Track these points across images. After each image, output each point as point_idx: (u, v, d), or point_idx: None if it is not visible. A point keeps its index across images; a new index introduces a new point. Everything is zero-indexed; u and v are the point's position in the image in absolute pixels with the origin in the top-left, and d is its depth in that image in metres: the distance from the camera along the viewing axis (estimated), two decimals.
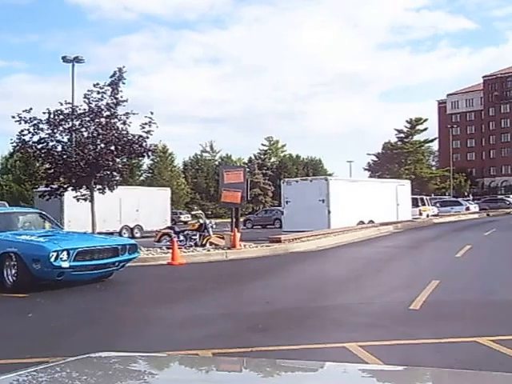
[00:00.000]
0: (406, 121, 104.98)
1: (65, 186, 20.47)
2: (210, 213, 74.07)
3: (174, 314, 9.64)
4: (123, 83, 19.95)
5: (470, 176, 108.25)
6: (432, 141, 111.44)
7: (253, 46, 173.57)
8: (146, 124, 19.83)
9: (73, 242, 12.78)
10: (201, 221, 22.55)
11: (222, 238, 20.99)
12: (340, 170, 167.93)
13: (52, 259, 11.77)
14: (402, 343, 7.17)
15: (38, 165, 29.11)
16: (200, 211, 29.34)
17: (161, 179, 71.69)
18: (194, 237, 21.73)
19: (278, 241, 20.93)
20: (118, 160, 20.18)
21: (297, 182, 33.54)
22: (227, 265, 17.21)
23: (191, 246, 20.93)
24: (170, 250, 17.35)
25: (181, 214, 59.81)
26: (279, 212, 45.71)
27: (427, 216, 42.08)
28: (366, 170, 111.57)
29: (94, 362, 2.72)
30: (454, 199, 62.06)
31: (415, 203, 41.57)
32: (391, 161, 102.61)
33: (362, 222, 30.42)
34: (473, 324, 8.10)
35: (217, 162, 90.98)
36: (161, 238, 22.70)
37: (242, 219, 51.60)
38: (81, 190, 20.40)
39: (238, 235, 19.50)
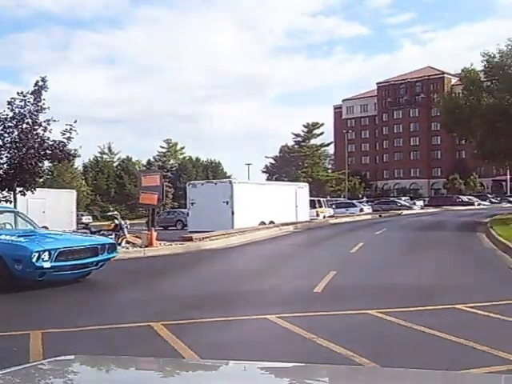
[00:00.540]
0: (303, 125, 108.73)
1: None
2: (110, 214, 73.80)
3: (120, 298, 11.41)
4: (45, 91, 21.12)
5: (364, 179, 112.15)
6: (328, 145, 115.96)
7: (150, 46, 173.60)
8: (66, 131, 21.09)
9: (54, 242, 12.74)
10: (116, 221, 23.89)
11: (138, 238, 22.51)
12: (239, 172, 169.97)
13: (34, 259, 11.75)
14: (310, 315, 9.07)
15: None
16: (116, 212, 30.52)
17: (61, 181, 71.23)
18: (110, 236, 23.05)
19: (190, 239, 22.63)
20: (40, 164, 21.33)
21: (202, 184, 35.00)
22: (147, 261, 18.74)
23: None
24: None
25: (82, 215, 59.97)
26: (181, 213, 47.06)
27: (324, 217, 44.35)
28: (263, 172, 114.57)
29: (62, 365, 2.74)
30: (349, 201, 65.09)
31: (313, 205, 43.76)
32: (289, 164, 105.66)
33: (263, 223, 32.08)
34: (364, 301, 10.09)
35: (115, 164, 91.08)
36: None
37: (144, 221, 52.56)
38: (3, 192, 21.42)
39: (155, 234, 21.15)
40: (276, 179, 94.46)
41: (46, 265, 11.87)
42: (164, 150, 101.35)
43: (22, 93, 20.78)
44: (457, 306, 9.41)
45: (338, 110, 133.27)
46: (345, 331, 7.98)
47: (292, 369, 3.04)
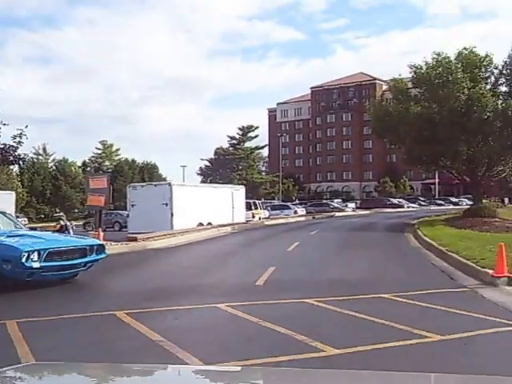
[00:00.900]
0: (239, 128, 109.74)
1: None
2: (43, 216, 73.45)
3: (81, 293, 12.46)
4: None
5: (297, 181, 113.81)
6: (262, 147, 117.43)
7: (86, 47, 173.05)
8: (17, 136, 21.70)
9: (43, 242, 12.77)
10: (62, 222, 24.65)
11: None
12: (174, 174, 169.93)
13: (23, 260, 11.85)
14: (255, 303, 10.25)
15: None
16: (62, 213, 31.16)
17: None
18: None
19: (135, 239, 23.60)
20: None
21: (142, 186, 35.70)
22: None
23: None
24: None
25: (17, 217, 59.51)
26: (119, 215, 47.57)
27: (259, 219, 45.72)
28: (198, 174, 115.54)
29: (23, 372, 2.74)
30: (284, 203, 66.72)
31: (249, 207, 45.02)
32: (223, 166, 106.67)
33: (201, 224, 33.13)
34: (301, 292, 11.29)
35: (51, 165, 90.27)
36: None
37: (81, 222, 52.82)
38: None
39: (102, 234, 22.04)
40: (210, 181, 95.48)
41: (35, 265, 11.97)
42: (99, 152, 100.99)
43: None
44: (383, 296, 10.78)
45: (272, 113, 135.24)
46: (286, 316, 9.16)
47: (291, 373, 3.18)
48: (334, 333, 8.10)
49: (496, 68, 35.14)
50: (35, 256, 12.01)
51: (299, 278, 13.92)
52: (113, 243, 22.78)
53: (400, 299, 10.41)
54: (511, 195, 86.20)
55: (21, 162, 23.20)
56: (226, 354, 6.93)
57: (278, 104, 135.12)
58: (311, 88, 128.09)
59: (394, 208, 71.91)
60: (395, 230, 32.04)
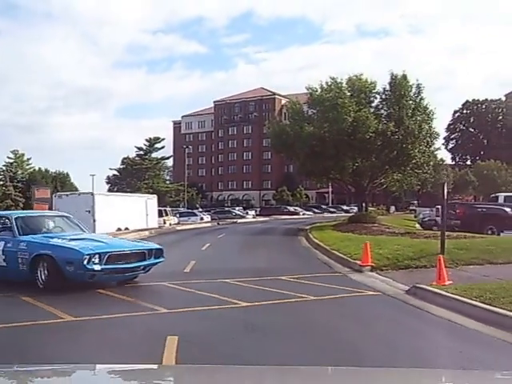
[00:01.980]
0: (146, 139, 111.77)
1: None
2: None
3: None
4: None
5: (200, 190, 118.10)
6: (168, 158, 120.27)
7: None
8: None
9: (104, 245, 13.31)
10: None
11: None
12: (83, 182, 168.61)
13: (85, 262, 12.37)
14: (188, 282, 14.22)
15: None
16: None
17: None
18: None
19: None
20: None
21: (67, 195, 38.34)
22: None
23: None
24: None
25: None
26: None
27: (170, 224, 49.34)
28: (107, 183, 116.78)
29: (14, 375, 2.85)
30: (191, 211, 70.30)
31: (160, 214, 48.65)
32: (131, 175, 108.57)
33: (119, 229, 36.03)
34: (219, 276, 15.28)
35: None
36: None
37: None
38: None
39: None
40: (118, 190, 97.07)
41: (96, 267, 12.53)
42: (11, 161, 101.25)
43: None
44: (280, 277, 15.04)
45: (177, 125, 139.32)
46: (212, 288, 13.22)
47: (292, 371, 3.29)
48: (245, 296, 12.19)
49: (378, 93, 40.65)
50: (96, 259, 12.57)
51: (215, 267, 18.03)
52: None
53: (291, 279, 14.69)
54: (397, 204, 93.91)
55: None
56: (185, 305, 11.03)
57: (182, 116, 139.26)
58: (214, 102, 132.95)
59: (290, 215, 77.32)
60: (290, 233, 36.76)
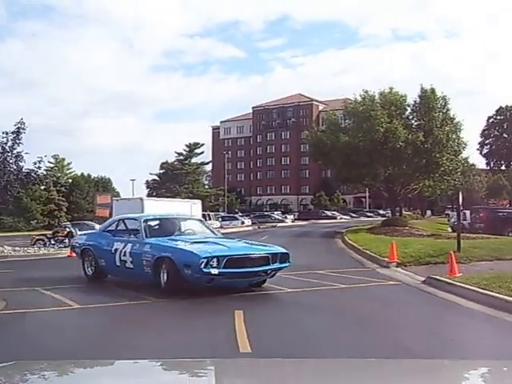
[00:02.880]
0: (185, 145, 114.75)
1: None
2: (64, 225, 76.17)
3: None
4: (24, 132, 28.05)
5: (239, 194, 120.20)
6: (208, 163, 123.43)
7: (29, 60, 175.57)
8: (38, 162, 28.34)
9: (224, 249, 13.10)
10: (67, 229, 31.26)
11: None
12: (124, 187, 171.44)
13: (202, 266, 12.24)
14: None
15: None
16: (68, 222, 37.62)
17: None
18: (64, 240, 30.39)
19: None
20: (15, 186, 28.37)
21: (118, 200, 41.80)
22: None
23: (62, 246, 29.61)
24: (68, 248, 26.18)
25: None
26: (86, 225, 53.83)
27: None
28: (146, 187, 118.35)
29: (9, 371, 2.81)
30: (232, 215, 73.30)
31: (204, 218, 51.71)
32: (171, 180, 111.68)
33: None
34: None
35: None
36: (36, 242, 31.06)
37: (39, 232, 58.63)
38: None
39: None
40: (157, 194, 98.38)
41: (214, 271, 12.34)
42: (52, 165, 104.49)
43: (5, 132, 27.68)
44: (317, 272, 17.83)
45: (216, 130, 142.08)
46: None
47: (294, 363, 3.42)
48: (289, 284, 14.72)
49: (408, 106, 43.47)
50: (214, 262, 12.41)
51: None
52: None
53: (326, 273, 17.48)
54: (433, 208, 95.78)
55: (41, 182, 29.72)
56: (245, 290, 13.84)
57: (221, 122, 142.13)
58: (253, 107, 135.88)
59: (328, 219, 79.76)
60: (327, 236, 39.68)
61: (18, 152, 27.95)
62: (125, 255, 14.34)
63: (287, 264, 14.11)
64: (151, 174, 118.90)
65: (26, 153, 28.49)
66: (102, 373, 2.94)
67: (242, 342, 8.21)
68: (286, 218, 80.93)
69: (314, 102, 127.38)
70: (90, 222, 49.25)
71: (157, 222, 15.90)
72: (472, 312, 11.15)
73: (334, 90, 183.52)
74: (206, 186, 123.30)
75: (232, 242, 14.51)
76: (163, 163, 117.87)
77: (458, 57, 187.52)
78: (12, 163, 27.71)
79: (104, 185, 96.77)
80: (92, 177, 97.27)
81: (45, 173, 29.70)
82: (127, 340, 8.88)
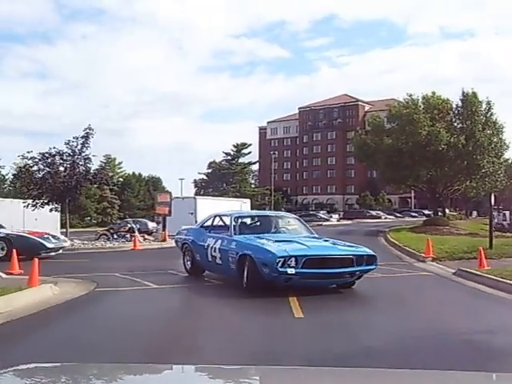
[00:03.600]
0: (233, 145, 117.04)
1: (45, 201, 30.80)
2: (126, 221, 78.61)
3: (160, 265, 21.35)
4: (92, 137, 30.68)
5: (285, 194, 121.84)
6: (255, 163, 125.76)
7: (80, 62, 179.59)
8: (104, 163, 30.92)
9: (304, 249, 12.75)
10: (129, 225, 33.88)
11: (144, 237, 32.57)
12: (172, 186, 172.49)
13: (279, 265, 12.00)
14: None
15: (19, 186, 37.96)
16: (130, 219, 40.39)
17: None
18: (126, 235, 32.92)
19: None
20: (84, 185, 31.06)
21: (172, 199, 44.67)
22: (165, 249, 28.67)
23: (124, 241, 32.12)
24: (131, 242, 28.66)
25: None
26: (139, 222, 56.45)
27: None
28: (194, 186, 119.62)
29: (22, 375, 2.81)
30: None
31: None
32: (219, 179, 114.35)
33: None
34: None
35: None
36: (100, 236, 33.74)
37: (93, 229, 61.45)
38: (55, 204, 31.00)
39: (167, 233, 31.24)
40: (204, 193, 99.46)
41: (290, 271, 12.05)
42: (103, 165, 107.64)
43: (76, 137, 30.37)
44: None
45: (262, 130, 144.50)
46: None
47: (292, 372, 3.40)
48: None
49: (451, 109, 45.03)
50: (292, 262, 12.12)
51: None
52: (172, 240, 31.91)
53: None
54: (479, 209, 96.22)
55: (109, 182, 32.36)
56: None
57: (268, 122, 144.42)
58: (299, 108, 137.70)
59: (372, 219, 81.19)
60: (371, 234, 41.49)
61: (85, 155, 30.63)
62: (215, 251, 14.59)
63: (373, 267, 13.56)
64: (199, 173, 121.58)
65: (94, 155, 31.19)
66: (114, 376, 2.92)
67: (296, 309, 10.44)
68: (331, 217, 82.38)
69: (359, 103, 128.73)
70: (142, 219, 52.01)
71: (249, 219, 16.29)
72: (489, 296, 13.10)
73: (380, 89, 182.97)
74: (253, 186, 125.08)
75: (316, 242, 14.00)
76: (211, 163, 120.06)
77: (509, 54, 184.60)
78: (81, 165, 30.38)
79: (154, 184, 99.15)
80: (143, 176, 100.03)
81: (105, 172, 32.14)
82: (196, 306, 11.96)
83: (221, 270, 14.79)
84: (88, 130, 30.56)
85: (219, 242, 14.56)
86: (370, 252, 13.81)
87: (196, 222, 39.17)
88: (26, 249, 21.60)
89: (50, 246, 23.03)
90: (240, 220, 15.27)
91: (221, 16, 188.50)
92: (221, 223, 16.27)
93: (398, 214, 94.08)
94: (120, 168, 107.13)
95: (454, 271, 17.42)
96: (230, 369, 3.70)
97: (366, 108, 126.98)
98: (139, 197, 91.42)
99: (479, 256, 17.58)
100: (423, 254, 21.83)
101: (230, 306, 11.71)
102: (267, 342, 8.34)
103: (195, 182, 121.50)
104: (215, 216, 16.81)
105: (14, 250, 18.03)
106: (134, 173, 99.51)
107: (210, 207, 41.94)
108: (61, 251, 24.25)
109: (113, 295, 13.22)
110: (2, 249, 22.05)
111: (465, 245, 23.28)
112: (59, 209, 31.54)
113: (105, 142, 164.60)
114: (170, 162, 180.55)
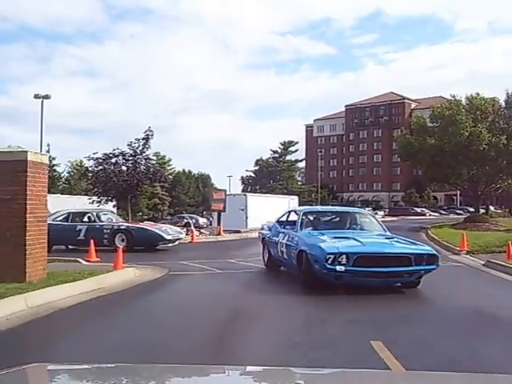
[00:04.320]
0: (280, 143, 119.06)
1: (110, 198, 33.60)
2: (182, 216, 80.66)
3: (219, 255, 23.49)
4: (152, 138, 33.26)
5: (331, 191, 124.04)
6: (301, 161, 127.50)
7: (128, 61, 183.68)
8: (162, 163, 33.53)
9: (357, 246, 12.40)
10: (185, 220, 36.49)
11: (200, 231, 35.09)
12: (220, 182, 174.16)
13: (328, 262, 11.76)
14: None
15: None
16: (186, 215, 43.19)
17: (77, 188, 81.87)
18: (183, 230, 35.39)
19: (239, 232, 35.20)
20: (145, 183, 33.73)
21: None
22: (220, 242, 31.11)
23: None
24: (189, 236, 31.11)
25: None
26: (191, 218, 59.34)
27: None
28: (242, 183, 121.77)
29: (26, 375, 2.81)
30: None
31: None
32: (266, 176, 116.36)
33: None
34: None
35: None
36: None
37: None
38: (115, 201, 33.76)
39: (222, 227, 33.71)
40: (251, 190, 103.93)
41: (339, 268, 11.75)
42: (153, 162, 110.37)
43: (137, 139, 32.99)
44: None
45: (309, 128, 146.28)
46: None
47: (295, 373, 3.38)
48: None
49: (493, 111, 46.47)
50: (343, 259, 11.79)
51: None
52: (227, 234, 34.36)
53: None
54: None
55: (167, 180, 35.03)
56: None
57: (314, 120, 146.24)
58: (345, 106, 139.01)
59: (417, 216, 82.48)
60: (413, 230, 43.05)
61: (146, 155, 33.25)
62: (283, 246, 14.75)
63: (434, 267, 12.76)
64: (247, 170, 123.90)
65: (155, 154, 33.78)
66: (119, 378, 2.91)
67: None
68: (376, 213, 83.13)
69: (405, 101, 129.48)
70: (192, 215, 54.52)
71: (319, 215, 16.28)
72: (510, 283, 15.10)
73: (428, 86, 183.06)
74: (299, 183, 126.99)
75: (375, 239, 13.73)
76: (258, 160, 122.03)
77: None
78: (142, 164, 33.00)
79: (203, 181, 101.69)
80: (192, 173, 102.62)
81: (163, 171, 34.88)
82: (255, 285, 14.29)
83: (287, 265, 14.97)
84: (148, 132, 33.11)
85: (286, 237, 14.70)
86: (431, 251, 13.21)
87: (247, 217, 42.02)
88: (145, 240, 23.86)
89: (167, 237, 24.53)
90: (308, 216, 15.42)
91: (266, 14, 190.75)
92: (290, 219, 16.17)
93: (443, 211, 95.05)
94: (170, 165, 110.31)
95: (483, 263, 19.29)
96: (230, 368, 3.74)
97: (413, 106, 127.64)
98: (189, 194, 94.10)
99: (507, 249, 19.45)
100: (458, 248, 23.69)
101: (286, 286, 13.85)
102: (314, 314, 10.59)
103: (242, 178, 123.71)
104: (290, 211, 17.04)
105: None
106: (184, 170, 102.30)
107: (259, 204, 44.39)
108: (177, 243, 25.75)
109: (185, 277, 15.78)
110: (123, 240, 23.68)
111: (498, 240, 24.99)
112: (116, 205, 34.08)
113: (154, 139, 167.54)
114: (217, 158, 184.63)
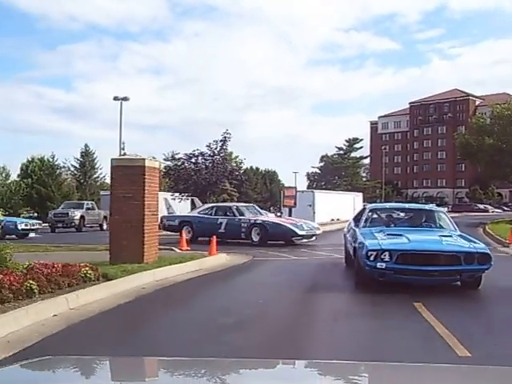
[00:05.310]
0: (346, 140, 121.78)
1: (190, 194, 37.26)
2: None
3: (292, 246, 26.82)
4: (229, 141, 36.70)
5: (395, 187, 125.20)
6: (366, 157, 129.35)
7: (193, 58, 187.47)
8: (238, 163, 36.92)
9: (401, 243, 12.06)
10: None
11: None
12: (286, 178, 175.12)
13: (370, 258, 11.57)
14: None
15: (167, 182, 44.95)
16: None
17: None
18: None
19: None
20: (223, 181, 37.29)
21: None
22: None
23: None
24: None
25: None
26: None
27: None
28: (307, 179, 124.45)
29: (42, 366, 2.83)
30: None
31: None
32: (331, 173, 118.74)
33: (333, 220, 45.32)
34: None
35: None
36: None
37: None
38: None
39: None
40: (316, 186, 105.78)
41: (380, 265, 11.53)
42: (233, 163, 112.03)
43: (215, 141, 36.52)
44: None
45: (374, 125, 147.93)
46: None
47: (295, 365, 3.45)
48: None
49: None
50: (386, 256, 11.54)
51: None
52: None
53: None
54: None
55: (243, 179, 38.38)
56: None
57: (379, 117, 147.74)
58: (410, 103, 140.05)
59: (479, 212, 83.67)
60: (472, 226, 44.78)
61: (223, 155, 36.73)
62: (350, 244, 14.90)
63: (486, 266, 11.92)
64: (313, 167, 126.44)
65: (228, 154, 37.13)
66: (133, 369, 2.93)
67: None
68: None
69: (470, 98, 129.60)
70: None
71: (385, 212, 16.23)
72: None
73: (492, 81, 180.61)
74: (364, 179, 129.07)
75: (426, 237, 13.18)
76: (323, 156, 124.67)
77: None
78: (220, 164, 36.51)
79: (270, 177, 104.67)
80: (259, 170, 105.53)
81: (239, 170, 38.32)
82: (326, 268, 17.11)
83: (352, 262, 14.61)
84: (225, 135, 36.61)
85: (351, 234, 14.97)
86: (484, 250, 12.29)
87: (314, 213, 44.61)
88: (280, 235, 25.09)
89: (301, 232, 24.87)
90: (373, 212, 15.40)
91: (329, 9, 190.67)
92: (361, 216, 15.78)
93: (506, 208, 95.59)
94: (236, 162, 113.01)
95: None
96: (229, 361, 3.76)
97: (477, 103, 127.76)
98: (256, 189, 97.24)
99: None
100: (507, 241, 26.25)
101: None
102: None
103: (308, 175, 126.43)
104: (363, 209, 16.90)
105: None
106: (251, 167, 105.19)
107: (326, 200, 47.01)
108: (314, 238, 25.97)
109: (268, 262, 19.10)
110: (258, 234, 24.79)
111: None
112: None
113: (217, 135, 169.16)
114: (281, 154, 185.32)
